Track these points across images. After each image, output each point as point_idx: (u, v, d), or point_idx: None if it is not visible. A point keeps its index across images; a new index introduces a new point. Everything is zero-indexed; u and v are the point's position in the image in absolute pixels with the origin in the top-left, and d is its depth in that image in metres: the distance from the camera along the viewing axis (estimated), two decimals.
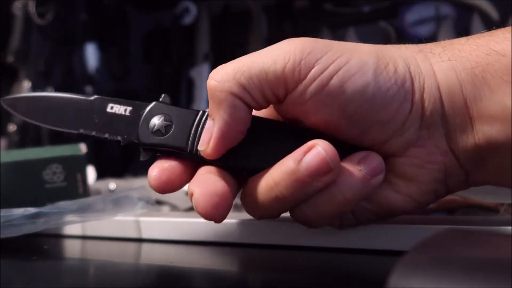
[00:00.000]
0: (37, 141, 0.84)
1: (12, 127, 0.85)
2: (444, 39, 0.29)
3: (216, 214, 0.27)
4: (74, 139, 0.44)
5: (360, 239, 0.30)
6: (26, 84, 0.85)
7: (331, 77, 0.26)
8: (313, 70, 0.26)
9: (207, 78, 0.29)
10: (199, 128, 0.30)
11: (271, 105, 0.30)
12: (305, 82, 0.26)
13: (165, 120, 0.30)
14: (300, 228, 0.32)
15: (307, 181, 0.26)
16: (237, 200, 0.50)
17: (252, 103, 0.28)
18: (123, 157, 0.93)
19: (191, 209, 0.55)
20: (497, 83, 0.25)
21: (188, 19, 0.94)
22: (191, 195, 0.28)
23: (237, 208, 0.50)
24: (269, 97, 0.28)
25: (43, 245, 0.39)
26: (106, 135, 0.32)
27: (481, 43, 0.27)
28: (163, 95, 0.32)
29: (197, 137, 0.29)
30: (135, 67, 1.01)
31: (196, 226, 0.36)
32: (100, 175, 0.69)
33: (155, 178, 0.29)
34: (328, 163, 0.25)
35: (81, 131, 0.32)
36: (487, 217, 0.39)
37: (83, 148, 0.45)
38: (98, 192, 0.59)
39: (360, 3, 0.82)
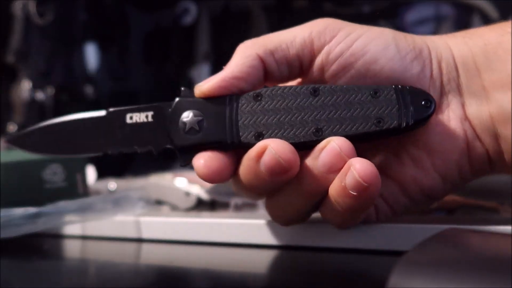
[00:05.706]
0: None
1: (12, 127, 0.85)
2: None
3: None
4: None
5: (360, 239, 0.30)
6: (26, 84, 0.85)
7: (355, 40, 0.28)
8: (338, 35, 0.29)
9: (207, 78, 0.29)
10: (234, 115, 0.28)
11: None
12: (330, 44, 0.29)
13: (194, 116, 0.28)
14: (300, 229, 0.32)
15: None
16: (238, 201, 0.50)
17: (274, 67, 0.29)
18: (123, 157, 0.93)
19: (191, 209, 0.55)
20: (508, 59, 0.27)
21: (188, 19, 0.94)
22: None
23: (237, 208, 0.50)
24: (293, 63, 0.29)
25: (43, 245, 0.39)
26: (135, 148, 0.29)
27: (495, 27, 0.29)
28: (182, 88, 0.30)
29: (234, 125, 0.28)
30: (135, 67, 1.00)
31: (196, 226, 0.36)
32: (100, 175, 0.69)
33: (204, 165, 0.27)
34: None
35: (108, 151, 0.30)
36: (487, 217, 0.39)
37: None
38: (98, 192, 0.59)
39: (360, 3, 0.82)
